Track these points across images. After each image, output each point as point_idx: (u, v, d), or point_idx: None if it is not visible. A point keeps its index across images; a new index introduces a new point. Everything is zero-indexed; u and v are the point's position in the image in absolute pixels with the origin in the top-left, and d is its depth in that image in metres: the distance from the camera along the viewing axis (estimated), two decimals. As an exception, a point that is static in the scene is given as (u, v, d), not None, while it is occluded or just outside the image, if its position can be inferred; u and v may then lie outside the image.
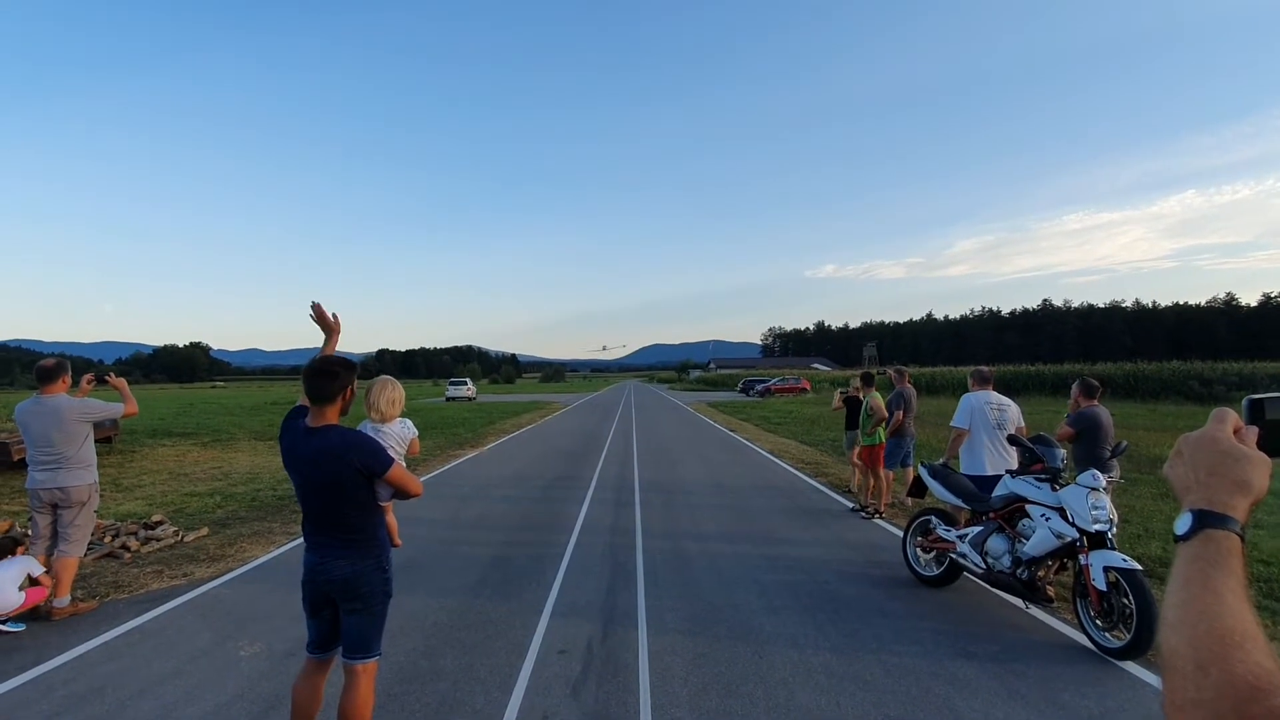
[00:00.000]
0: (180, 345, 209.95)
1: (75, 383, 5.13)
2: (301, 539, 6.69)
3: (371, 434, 3.26)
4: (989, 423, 6.00)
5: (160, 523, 7.27)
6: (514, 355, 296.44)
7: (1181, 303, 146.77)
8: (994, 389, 6.35)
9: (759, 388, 50.60)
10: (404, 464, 3.63)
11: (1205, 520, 0.77)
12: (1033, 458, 4.92)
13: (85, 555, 5.77)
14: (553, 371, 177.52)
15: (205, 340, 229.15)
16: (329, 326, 3.16)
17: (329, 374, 2.65)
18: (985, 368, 6.54)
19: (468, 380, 51.64)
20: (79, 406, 4.85)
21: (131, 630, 4.52)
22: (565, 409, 33.53)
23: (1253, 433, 0.84)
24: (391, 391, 3.62)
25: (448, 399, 45.09)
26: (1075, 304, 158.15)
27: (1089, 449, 5.75)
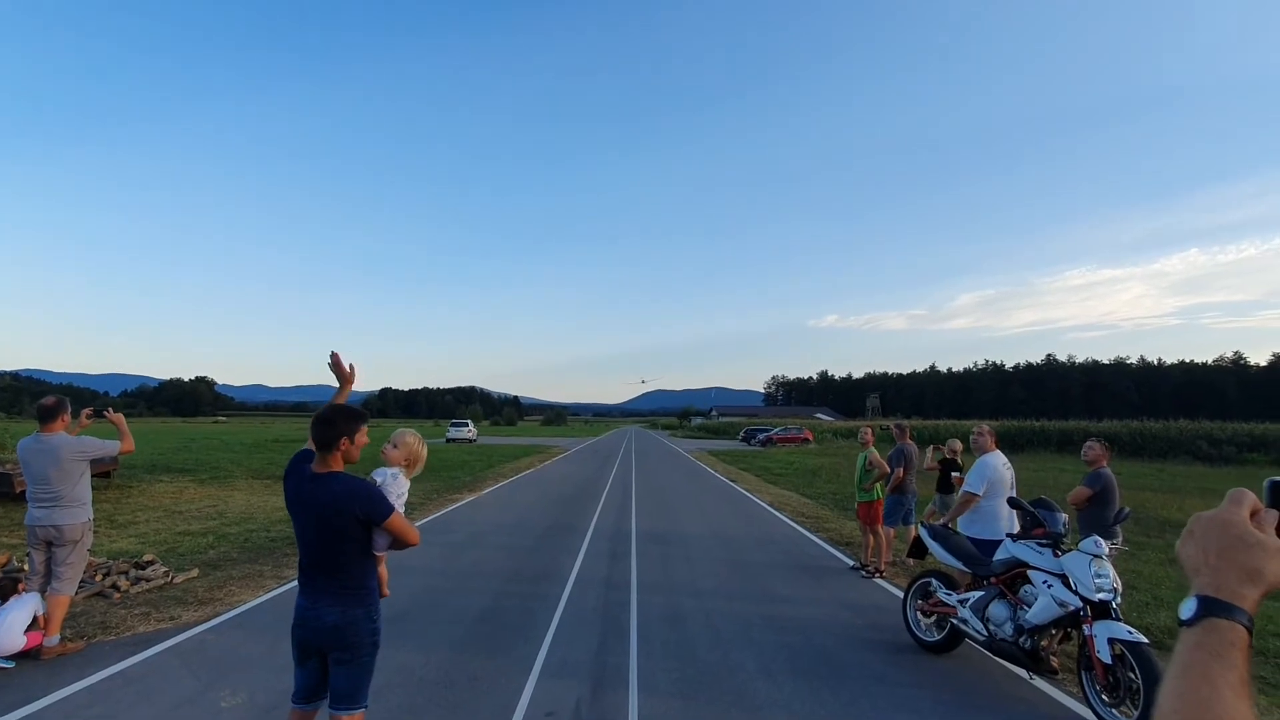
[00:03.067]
0: (186, 379, 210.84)
1: (76, 414, 5.17)
2: (291, 584, 6.64)
3: (390, 479, 3.27)
4: (1004, 486, 5.88)
5: (151, 562, 7.19)
6: (516, 397, 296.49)
7: (1188, 360, 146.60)
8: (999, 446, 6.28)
9: (761, 437, 50.24)
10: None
11: (1211, 608, 0.74)
12: (1034, 521, 4.85)
13: (75, 594, 5.71)
14: (554, 415, 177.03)
15: (211, 374, 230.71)
16: (344, 376, 3.25)
17: (327, 421, 2.71)
18: (985, 426, 6.48)
19: (469, 422, 51.42)
20: (75, 445, 4.88)
21: (115, 674, 4.44)
22: (565, 454, 33.32)
23: (1273, 517, 0.79)
24: (409, 442, 3.59)
25: (448, 440, 44.84)
26: (1080, 359, 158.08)
27: (1099, 512, 5.67)
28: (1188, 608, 0.76)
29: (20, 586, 4.80)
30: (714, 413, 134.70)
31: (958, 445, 8.72)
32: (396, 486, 3.53)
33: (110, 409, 5.24)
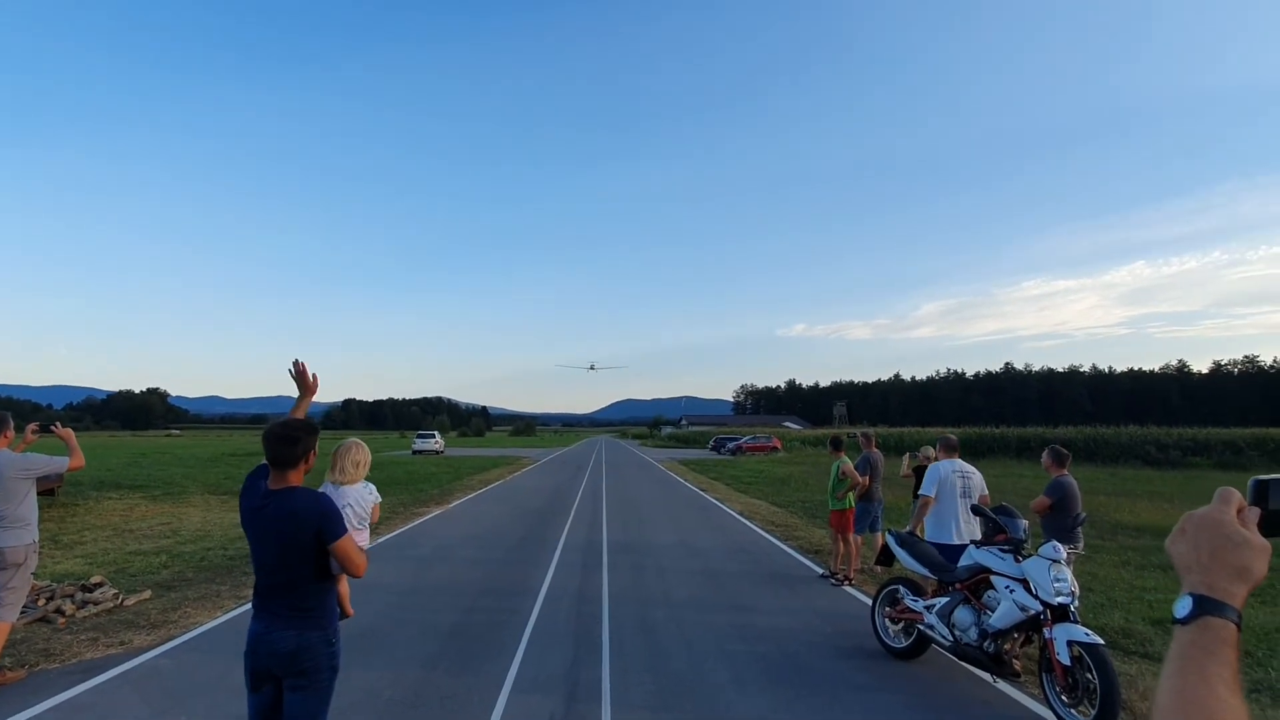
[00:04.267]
0: (137, 391, 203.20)
1: (20, 429, 4.94)
2: (249, 605, 6.41)
3: (331, 494, 3.19)
4: (955, 491, 6.10)
5: (99, 584, 6.88)
6: (484, 408, 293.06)
7: (1136, 368, 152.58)
8: (960, 452, 6.50)
9: (730, 446, 50.54)
10: (367, 531, 3.54)
11: (1205, 606, 0.77)
12: (996, 528, 4.99)
13: (17, 620, 5.42)
14: (524, 425, 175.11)
15: (163, 386, 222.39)
16: (307, 386, 3.12)
17: (291, 440, 2.61)
18: (952, 436, 6.69)
19: (436, 433, 50.66)
20: (20, 463, 4.64)
21: (61, 704, 4.22)
22: (535, 465, 33.02)
23: (1255, 514, 0.82)
24: (357, 454, 3.57)
25: (414, 452, 44.08)
26: (1036, 367, 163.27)
27: (1060, 518, 5.85)
28: (1182, 606, 0.79)
29: None
30: (684, 422, 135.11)
31: (931, 453, 8.89)
32: (372, 495, 3.50)
33: (58, 423, 5.02)
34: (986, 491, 6.30)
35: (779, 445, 50.20)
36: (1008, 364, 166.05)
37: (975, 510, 5.39)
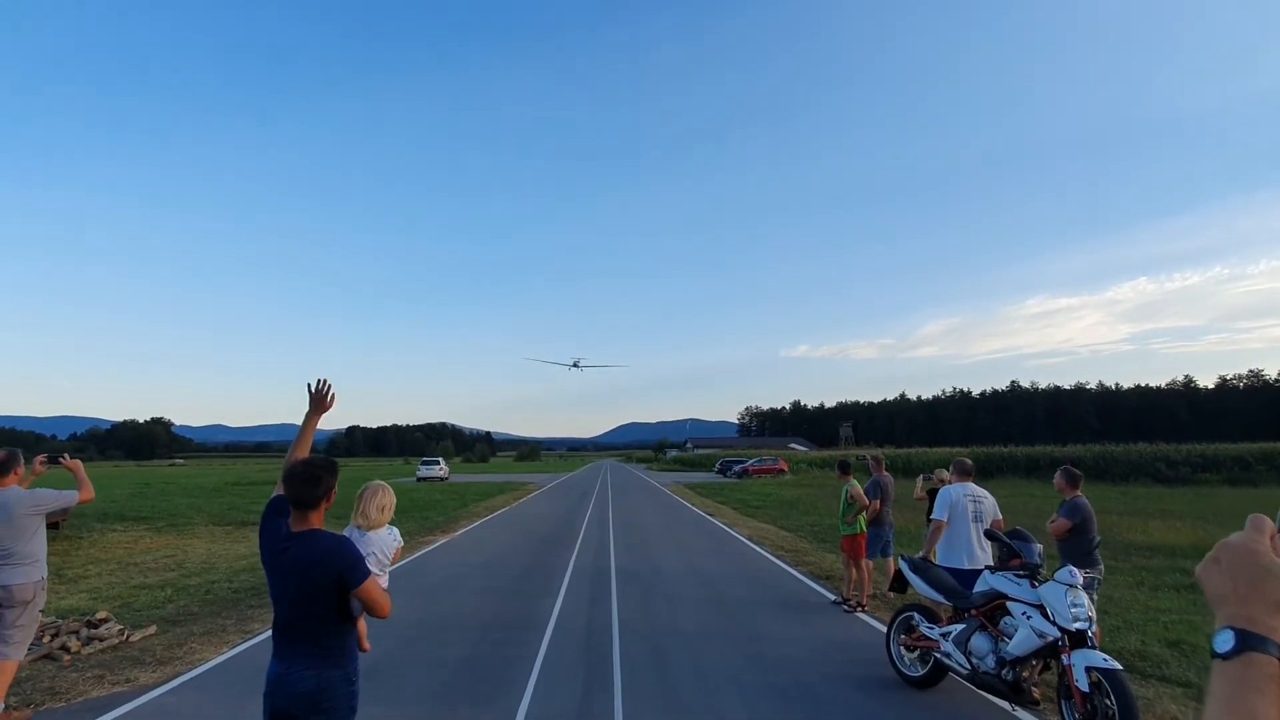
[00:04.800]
0: (141, 420, 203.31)
1: (28, 462, 4.92)
2: (257, 640, 6.36)
3: (356, 539, 3.15)
4: (968, 516, 6.03)
5: (105, 620, 6.82)
6: (489, 433, 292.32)
7: (1143, 385, 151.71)
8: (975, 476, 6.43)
9: (736, 469, 50.24)
10: (387, 576, 3.51)
11: (1248, 642, 0.75)
12: (1010, 553, 4.93)
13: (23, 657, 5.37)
14: (528, 450, 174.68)
15: (168, 416, 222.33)
16: (322, 403, 3.02)
17: (313, 480, 2.57)
18: (967, 460, 6.60)
19: (440, 460, 50.46)
20: (30, 500, 4.63)
21: (64, 748, 4.16)
22: (540, 490, 32.84)
23: None
24: (383, 498, 3.53)
25: (419, 479, 43.93)
26: (1042, 385, 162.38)
27: (1078, 541, 5.76)
28: (1223, 641, 0.76)
29: None
30: (689, 445, 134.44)
31: (945, 475, 8.81)
32: (395, 540, 3.46)
33: (66, 455, 5.01)
34: (1000, 515, 6.23)
35: (785, 468, 49.90)
36: (1013, 382, 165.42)
37: (989, 535, 5.34)
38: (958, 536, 6.03)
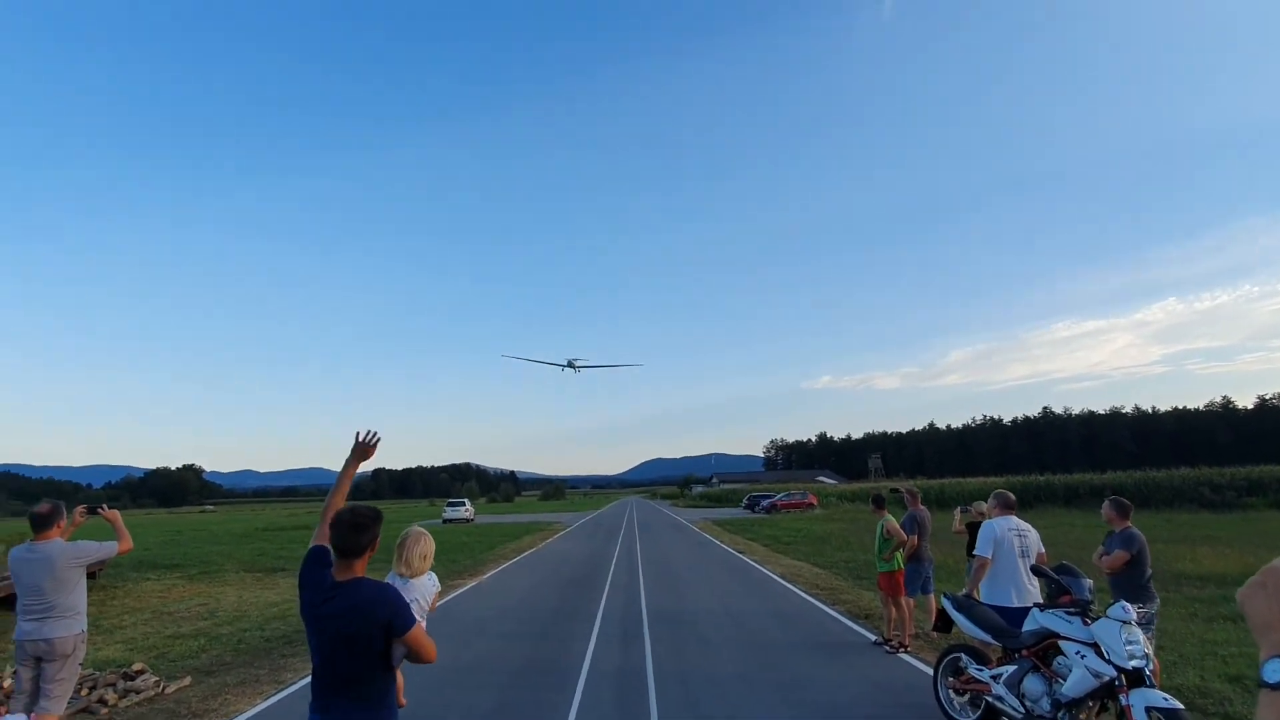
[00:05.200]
0: (173, 468, 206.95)
1: (68, 514, 5.00)
2: (291, 690, 6.32)
3: (399, 587, 3.16)
4: (1014, 551, 5.79)
5: (141, 672, 6.85)
6: (513, 472, 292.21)
7: (1180, 407, 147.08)
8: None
9: (765, 503, 49.36)
10: (424, 621, 3.50)
11: None
12: (1059, 589, 4.74)
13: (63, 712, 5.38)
14: (553, 489, 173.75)
15: (199, 462, 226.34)
16: (366, 455, 3.02)
17: (362, 528, 2.57)
18: (1009, 493, 6.33)
19: (465, 501, 50.45)
20: (72, 552, 4.69)
21: (102, 805, 4.14)
22: (566, 530, 32.59)
23: None
24: (425, 546, 3.56)
25: (445, 521, 43.88)
26: (1076, 410, 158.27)
27: (1132, 574, 5.51)
28: (1273, 670, 0.74)
29: (2, 710, 4.51)
30: (715, 480, 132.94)
31: (984, 507, 8.55)
32: (434, 585, 3.48)
33: (104, 505, 5.06)
34: (1043, 549, 6.00)
35: (815, 502, 48.98)
36: (1045, 408, 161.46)
37: (1036, 570, 5.15)
38: (1004, 573, 5.77)
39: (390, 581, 3.13)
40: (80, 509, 5.07)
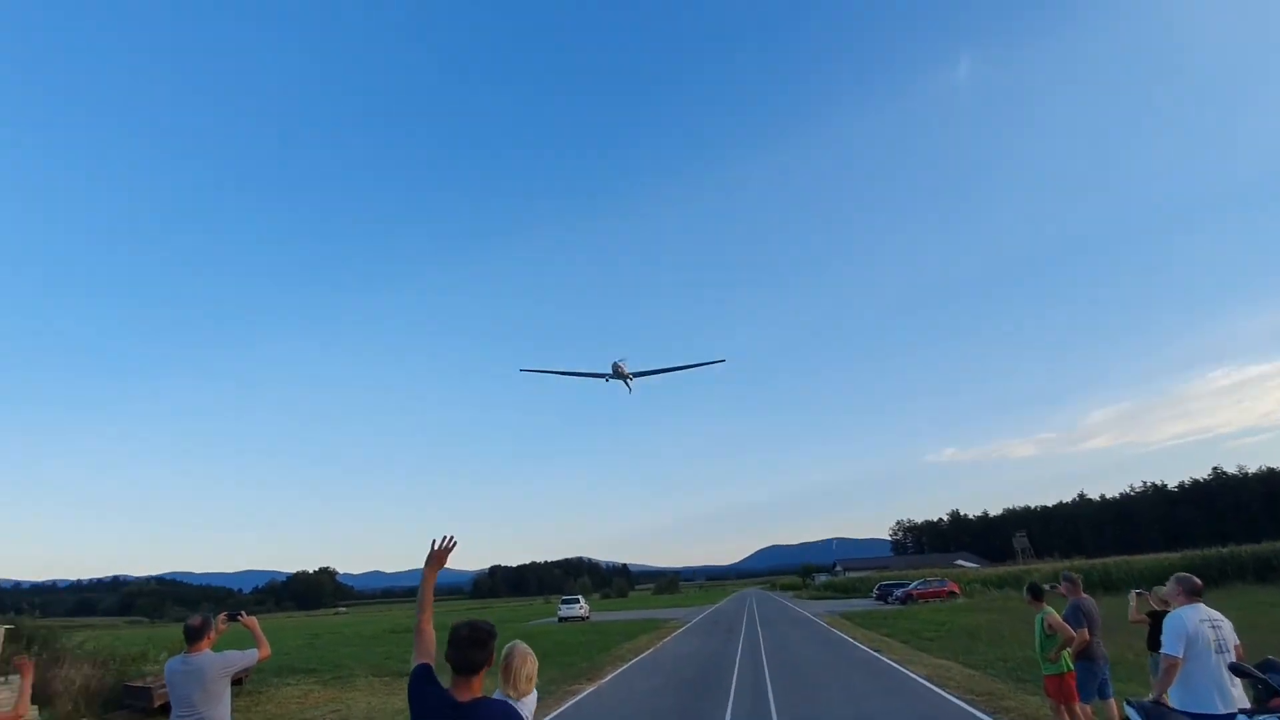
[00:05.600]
0: (311, 571, 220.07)
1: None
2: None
3: (533, 703, 3.12)
4: (1209, 647, 4.84)
5: (280, 783, 6.97)
6: (625, 565, 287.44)
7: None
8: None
9: (899, 593, 45.14)
10: None
11: None
12: (1268, 690, 3.90)
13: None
14: (666, 582, 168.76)
15: (332, 564, 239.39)
16: (442, 562, 3.00)
17: (481, 643, 2.54)
18: (1195, 578, 5.35)
19: (580, 598, 49.91)
20: (220, 664, 4.90)
21: None
22: (684, 627, 31.19)
23: None
24: (530, 667, 3.51)
25: (560, 619, 43.47)
26: (1252, 469, 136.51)
27: None
28: None
29: None
30: (838, 568, 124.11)
31: (1163, 592, 7.33)
32: (535, 701, 3.37)
33: (244, 612, 5.28)
34: (1238, 640, 4.96)
35: (957, 589, 44.20)
36: (1216, 468, 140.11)
37: (1236, 669, 4.25)
38: (1200, 673, 4.80)
39: (499, 698, 3.06)
40: (222, 616, 5.26)
